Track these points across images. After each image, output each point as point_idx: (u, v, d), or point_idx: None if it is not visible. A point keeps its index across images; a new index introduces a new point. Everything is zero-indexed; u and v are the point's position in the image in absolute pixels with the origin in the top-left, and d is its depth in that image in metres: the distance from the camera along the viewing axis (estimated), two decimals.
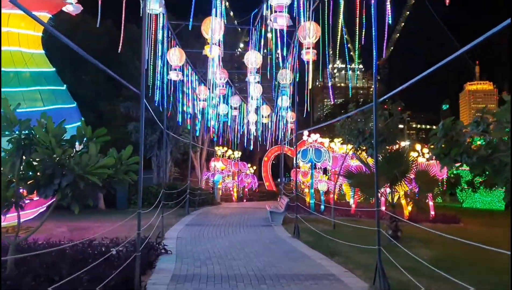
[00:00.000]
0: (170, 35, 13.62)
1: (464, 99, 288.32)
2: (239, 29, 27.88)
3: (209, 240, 12.93)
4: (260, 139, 26.22)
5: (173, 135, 26.01)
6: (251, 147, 26.96)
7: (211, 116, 21.19)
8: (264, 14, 12.15)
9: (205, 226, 16.02)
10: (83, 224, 15.70)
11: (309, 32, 11.38)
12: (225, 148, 32.64)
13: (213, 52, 11.59)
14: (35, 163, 7.06)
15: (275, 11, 9.84)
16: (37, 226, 7.82)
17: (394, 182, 13.53)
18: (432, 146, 5.83)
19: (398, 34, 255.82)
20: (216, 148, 32.49)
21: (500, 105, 5.75)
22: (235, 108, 22.90)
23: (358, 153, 15.67)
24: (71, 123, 10.37)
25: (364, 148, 15.60)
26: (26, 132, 7.07)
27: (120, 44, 8.13)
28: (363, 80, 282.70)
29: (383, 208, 21.47)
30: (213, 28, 10.14)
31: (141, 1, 9.48)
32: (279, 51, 12.81)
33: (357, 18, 9.60)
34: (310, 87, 11.82)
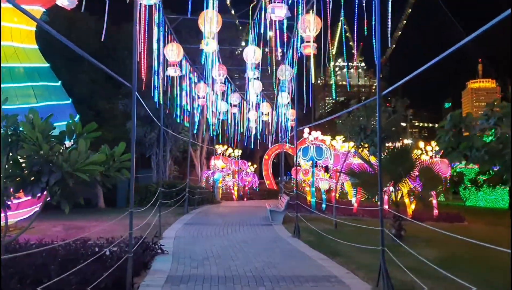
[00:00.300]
0: (166, 29, 13.26)
1: (467, 97, 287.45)
2: (238, 22, 27.54)
3: (208, 239, 12.61)
4: (259, 137, 25.87)
5: (172, 133, 25.69)
6: (252, 145, 26.66)
7: (210, 112, 20.84)
8: (263, 6, 11.81)
9: (204, 225, 15.71)
10: (79, 223, 15.40)
11: (310, 24, 11.05)
12: (225, 146, 32.33)
13: (210, 46, 11.23)
14: (22, 160, 6.75)
15: (273, 1, 9.50)
16: (27, 225, 7.49)
17: (398, 180, 13.20)
18: (439, 140, 5.47)
19: (400, 32, 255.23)
20: (216, 146, 32.17)
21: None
22: (235, 106, 22.55)
23: (360, 150, 15.33)
24: (65, 120, 10.08)
25: (366, 145, 15.28)
26: (13, 128, 6.76)
27: (104, 30, 7.76)
28: (365, 78, 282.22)
29: (386, 206, 21.25)
30: (204, 18, 9.78)
31: None
32: (278, 45, 12.50)
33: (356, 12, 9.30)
34: (313, 81, 11.46)
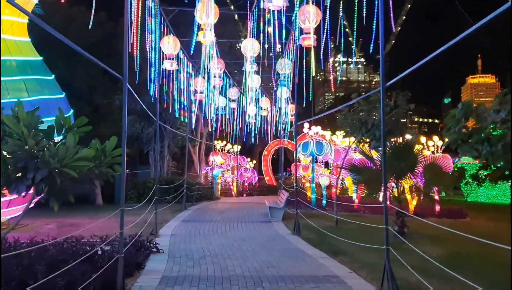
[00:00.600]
0: (162, 21, 12.88)
1: (466, 93, 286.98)
2: (236, 16, 27.10)
3: (205, 237, 12.27)
4: (257, 132, 25.52)
5: (170, 129, 25.33)
6: (251, 140, 26.32)
7: (208, 107, 20.48)
8: None
9: (202, 222, 15.37)
10: (74, 221, 15.06)
11: (309, 15, 10.69)
12: (224, 142, 31.97)
13: (207, 38, 10.87)
14: (8, 156, 6.39)
15: None
16: (13, 224, 7.15)
17: (400, 176, 12.85)
18: (448, 130, 5.09)
19: (399, 28, 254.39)
20: (215, 142, 31.81)
21: None
22: (233, 101, 22.18)
23: (360, 145, 14.97)
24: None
25: (367, 140, 14.94)
26: None
27: (91, 18, 7.40)
28: (365, 74, 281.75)
29: (387, 203, 20.92)
30: (198, 9, 9.41)
31: None
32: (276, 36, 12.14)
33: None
34: (313, 74, 11.11)
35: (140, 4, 10.00)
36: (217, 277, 7.74)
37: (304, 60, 12.25)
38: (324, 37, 10.34)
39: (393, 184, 13.24)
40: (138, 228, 11.45)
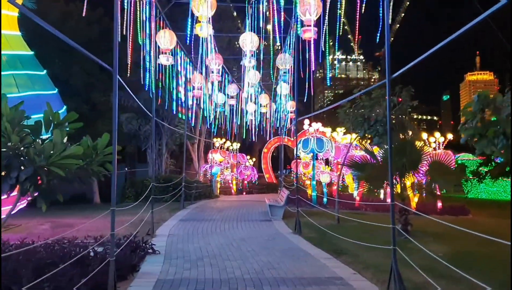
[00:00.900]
0: (158, 14, 12.46)
1: (465, 90, 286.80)
2: (234, 11, 26.76)
3: (203, 237, 11.89)
4: (257, 129, 25.13)
5: (168, 126, 24.94)
6: (251, 137, 25.94)
7: (207, 103, 20.07)
8: None
9: (200, 221, 14.99)
10: (69, 221, 14.68)
11: (310, 7, 10.29)
12: (223, 140, 31.57)
13: (205, 31, 10.46)
14: None
15: None
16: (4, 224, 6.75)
17: (403, 173, 12.48)
18: (464, 125, 4.70)
19: (398, 25, 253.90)
20: (214, 139, 31.42)
21: None
22: (232, 97, 21.77)
23: (364, 142, 14.59)
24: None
25: (369, 136, 14.58)
26: None
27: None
28: (364, 72, 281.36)
29: (388, 200, 20.57)
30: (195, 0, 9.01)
31: None
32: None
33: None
34: (312, 68, 10.71)
35: None
36: (215, 279, 7.37)
37: (307, 53, 11.84)
38: (324, 32, 10.01)
39: (395, 181, 12.90)
40: (134, 228, 11.09)
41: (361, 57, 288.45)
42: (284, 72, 16.20)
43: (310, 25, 10.41)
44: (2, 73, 10.62)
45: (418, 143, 14.38)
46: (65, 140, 8.71)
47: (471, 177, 32.77)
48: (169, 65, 14.10)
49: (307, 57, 10.57)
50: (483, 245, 9.43)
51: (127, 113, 25.65)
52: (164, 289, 6.77)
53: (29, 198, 10.16)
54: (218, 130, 27.16)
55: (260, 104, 23.75)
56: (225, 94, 22.04)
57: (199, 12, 10.57)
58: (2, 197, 10.28)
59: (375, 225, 10.00)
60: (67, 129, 7.00)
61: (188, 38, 11.13)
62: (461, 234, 6.72)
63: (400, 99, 14.04)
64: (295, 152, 18.35)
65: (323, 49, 10.16)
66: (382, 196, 20.07)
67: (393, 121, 13.78)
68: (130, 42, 10.00)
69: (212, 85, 19.42)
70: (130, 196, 23.76)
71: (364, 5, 8.96)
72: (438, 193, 19.09)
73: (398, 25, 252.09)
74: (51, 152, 5.97)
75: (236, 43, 28.11)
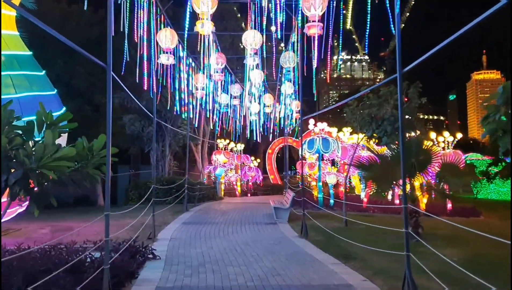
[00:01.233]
0: (158, 11, 12.11)
1: (471, 89, 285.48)
2: (238, 13, 26.43)
3: (206, 241, 11.52)
4: (261, 129, 24.75)
5: (171, 128, 24.63)
6: (255, 138, 25.60)
7: (210, 104, 19.72)
8: None
9: (203, 224, 14.63)
10: (70, 224, 14.34)
11: (315, 2, 9.92)
12: (227, 141, 31.22)
13: (206, 28, 10.12)
14: None
15: None
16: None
17: (413, 173, 12.06)
18: (486, 119, 4.31)
19: (403, 25, 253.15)
20: (218, 140, 31.07)
21: None
22: (235, 98, 21.42)
23: (372, 141, 14.18)
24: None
25: (377, 136, 14.19)
26: None
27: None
28: (369, 72, 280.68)
29: (397, 201, 20.16)
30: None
31: None
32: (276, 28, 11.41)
33: None
34: (315, 65, 10.36)
35: None
36: (217, 287, 6.99)
37: (311, 50, 11.46)
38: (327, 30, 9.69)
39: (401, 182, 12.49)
40: (136, 231, 10.76)
41: (366, 57, 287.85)
42: (288, 71, 15.85)
43: (314, 21, 10.07)
44: None
45: (427, 143, 14.03)
46: (63, 141, 8.41)
47: (480, 177, 32.38)
48: (170, 65, 13.76)
49: (313, 52, 10.20)
50: (498, 248, 8.97)
51: (130, 115, 25.36)
52: None
53: (25, 203, 9.86)
54: (222, 131, 26.82)
55: (264, 104, 23.41)
56: (228, 95, 21.71)
57: (200, 9, 10.25)
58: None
59: (384, 228, 9.63)
60: (67, 130, 6.68)
61: (186, 33, 10.73)
62: (473, 237, 6.37)
63: (407, 99, 13.66)
64: (300, 153, 17.96)
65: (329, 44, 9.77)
66: (390, 197, 19.67)
67: (397, 123, 13.41)
68: (136, 40, 9.64)
69: (215, 85, 19.05)
70: (134, 198, 23.44)
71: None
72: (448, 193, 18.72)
73: (403, 25, 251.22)
74: (42, 154, 5.62)
75: (240, 44, 27.83)
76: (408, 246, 6.37)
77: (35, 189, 6.12)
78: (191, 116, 17.98)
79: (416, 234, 11.28)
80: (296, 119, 24.48)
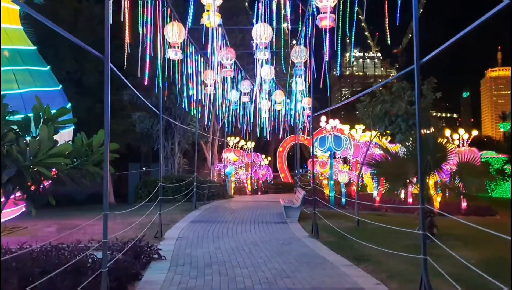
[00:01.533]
0: (165, 5, 11.79)
1: (485, 86, 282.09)
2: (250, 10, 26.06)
3: (213, 240, 11.20)
4: (272, 127, 24.39)
5: (180, 125, 24.37)
6: (266, 136, 25.23)
7: (219, 100, 19.39)
8: None
9: (212, 223, 14.32)
10: (77, 222, 14.08)
11: None
12: (237, 138, 30.89)
13: (212, 20, 9.79)
14: None
15: None
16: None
17: (428, 171, 11.62)
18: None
19: (421, 10, 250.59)
20: (228, 138, 30.77)
21: None
22: (245, 94, 21.07)
23: (384, 138, 13.75)
24: (53, 108, 8.70)
25: (389, 133, 13.76)
26: None
27: None
28: (381, 69, 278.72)
29: (409, 200, 19.70)
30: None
31: None
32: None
33: None
34: (327, 59, 9.96)
35: None
36: None
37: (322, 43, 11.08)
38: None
39: (415, 180, 12.07)
40: (144, 230, 10.50)
41: (379, 54, 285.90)
42: (299, 66, 15.46)
43: (326, 12, 9.69)
44: (2, 68, 10.09)
45: (442, 140, 13.59)
46: (69, 139, 8.13)
47: (496, 176, 31.67)
48: (178, 60, 13.45)
49: (325, 46, 9.81)
50: None
51: (139, 112, 25.14)
52: None
53: (21, 205, 9.60)
54: (232, 128, 26.51)
55: (275, 101, 23.03)
56: (238, 91, 21.38)
57: (206, 1, 9.93)
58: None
59: (398, 229, 9.22)
60: (71, 126, 6.43)
61: (188, 23, 10.39)
62: (491, 237, 6.01)
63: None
64: (311, 151, 17.57)
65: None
66: (402, 196, 19.21)
67: (411, 119, 12.99)
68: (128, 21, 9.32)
69: (224, 81, 18.72)
70: (143, 196, 23.22)
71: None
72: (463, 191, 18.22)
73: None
74: (37, 150, 5.33)
75: (252, 42, 27.45)
76: (425, 249, 5.98)
77: (32, 187, 5.86)
78: (200, 112, 17.67)
79: (431, 235, 10.85)
80: (307, 116, 24.09)
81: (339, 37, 9.80)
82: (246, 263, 8.49)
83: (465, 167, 11.72)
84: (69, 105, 12.27)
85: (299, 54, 14.75)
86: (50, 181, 6.23)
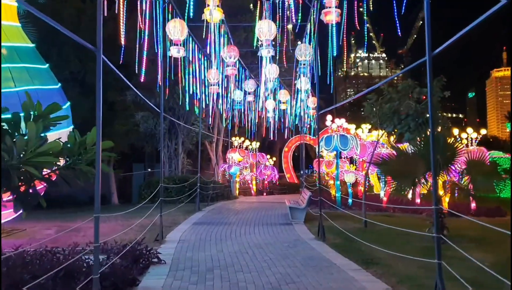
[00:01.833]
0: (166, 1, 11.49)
1: (491, 86, 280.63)
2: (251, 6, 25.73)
3: (216, 243, 10.84)
4: (276, 127, 24.05)
5: (183, 125, 24.06)
6: (271, 136, 24.91)
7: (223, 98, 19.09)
8: None
9: (215, 225, 13.96)
10: (77, 224, 13.78)
11: None
12: (242, 138, 30.55)
13: (214, 16, 9.46)
14: None
15: None
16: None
17: (437, 170, 11.22)
18: None
19: (421, 22, 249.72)
20: (233, 138, 30.43)
21: None
22: (249, 93, 20.72)
23: (392, 137, 13.36)
24: None
25: (398, 132, 13.39)
26: None
27: None
28: (387, 70, 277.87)
29: (417, 201, 19.27)
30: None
31: None
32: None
33: None
34: (334, 54, 9.62)
35: None
36: None
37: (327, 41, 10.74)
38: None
39: (424, 180, 11.69)
40: (146, 232, 10.19)
41: (384, 55, 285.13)
42: (304, 64, 15.12)
43: (331, 6, 9.37)
44: None
45: (450, 139, 13.23)
46: (65, 137, 7.83)
47: (503, 175, 31.12)
48: (181, 57, 13.14)
49: (329, 41, 9.48)
50: None
51: (143, 112, 24.85)
52: None
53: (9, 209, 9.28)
54: (236, 128, 26.19)
55: (280, 101, 22.70)
56: (242, 90, 21.05)
57: None
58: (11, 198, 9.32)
59: (407, 231, 8.84)
60: (71, 124, 6.13)
61: (186, 16, 10.08)
62: (504, 239, 5.65)
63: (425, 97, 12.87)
64: (317, 151, 17.20)
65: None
66: (410, 196, 18.81)
67: (423, 116, 12.64)
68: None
69: (228, 80, 18.39)
70: (146, 196, 22.93)
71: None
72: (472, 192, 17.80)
73: (421, 22, 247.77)
74: (25, 148, 5.01)
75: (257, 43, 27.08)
76: (440, 253, 5.60)
77: (21, 188, 5.54)
78: (204, 112, 17.36)
79: (443, 236, 10.48)
80: (312, 115, 23.73)
81: (342, 29, 9.48)
82: (250, 267, 8.12)
83: (475, 166, 11.34)
84: (67, 104, 11.99)
85: (304, 52, 14.41)
86: (43, 182, 5.93)
